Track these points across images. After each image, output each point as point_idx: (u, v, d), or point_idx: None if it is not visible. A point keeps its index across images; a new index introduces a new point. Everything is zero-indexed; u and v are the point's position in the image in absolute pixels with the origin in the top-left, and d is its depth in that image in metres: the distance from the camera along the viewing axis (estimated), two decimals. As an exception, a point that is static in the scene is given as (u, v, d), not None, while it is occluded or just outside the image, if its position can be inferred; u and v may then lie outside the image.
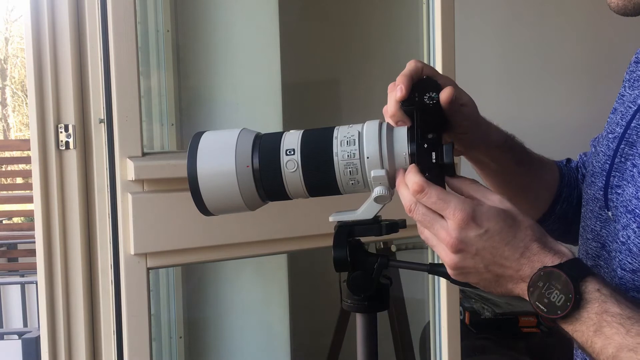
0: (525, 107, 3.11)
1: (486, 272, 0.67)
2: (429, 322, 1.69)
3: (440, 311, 1.62)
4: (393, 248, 1.85)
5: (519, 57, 3.10)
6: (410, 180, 0.67)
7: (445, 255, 0.68)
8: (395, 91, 0.70)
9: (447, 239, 0.66)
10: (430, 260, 1.66)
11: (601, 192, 0.80)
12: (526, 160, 0.91)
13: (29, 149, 1.35)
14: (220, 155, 0.69)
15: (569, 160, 1.00)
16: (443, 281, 1.61)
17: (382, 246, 1.84)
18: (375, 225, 0.71)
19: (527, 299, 0.66)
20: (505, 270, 0.66)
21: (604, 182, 0.80)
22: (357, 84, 2.23)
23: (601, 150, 0.84)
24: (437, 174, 0.67)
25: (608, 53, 3.14)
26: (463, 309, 2.42)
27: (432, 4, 1.58)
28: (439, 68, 1.57)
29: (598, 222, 0.81)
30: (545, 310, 0.64)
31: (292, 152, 0.68)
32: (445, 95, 0.69)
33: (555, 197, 0.94)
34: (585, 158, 1.00)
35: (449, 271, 0.69)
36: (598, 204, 0.81)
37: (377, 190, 0.68)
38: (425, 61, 1.61)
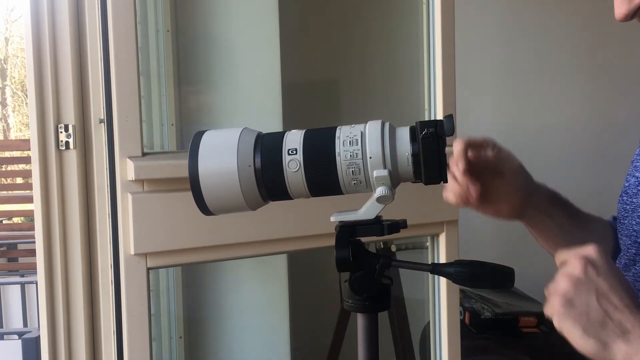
0: (525, 107, 3.11)
1: (595, 305, 0.63)
2: (429, 322, 1.69)
3: (440, 311, 1.62)
4: (393, 248, 1.85)
5: (519, 57, 3.10)
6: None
7: (561, 278, 0.65)
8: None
9: (574, 261, 0.65)
10: (430, 260, 1.66)
11: None
12: (577, 214, 0.93)
13: (29, 149, 1.35)
14: (221, 155, 0.68)
15: (615, 218, 1.00)
16: (443, 281, 1.61)
17: (382, 246, 1.84)
18: (377, 225, 0.71)
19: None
20: (615, 312, 0.63)
21: None
22: (357, 84, 2.23)
23: None
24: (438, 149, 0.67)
25: (608, 54, 3.14)
26: (463, 309, 2.42)
27: (432, 4, 1.58)
28: (439, 68, 1.57)
29: None
30: None
31: (295, 152, 0.68)
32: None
33: (614, 250, 0.95)
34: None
35: (555, 290, 0.65)
36: None
37: (380, 191, 0.68)
38: (425, 61, 1.62)
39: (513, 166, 0.86)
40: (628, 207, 0.87)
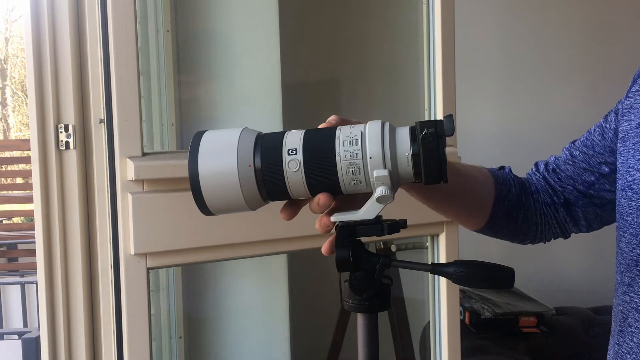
0: (524, 107, 3.11)
1: None
2: (429, 322, 1.70)
3: (440, 311, 1.62)
4: (393, 248, 1.85)
5: (519, 57, 3.10)
6: None
7: None
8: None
9: None
10: (430, 260, 1.66)
11: None
12: (459, 186, 0.90)
13: (29, 149, 1.35)
14: (221, 155, 0.68)
15: (501, 168, 1.01)
16: (443, 281, 1.61)
17: (382, 246, 1.84)
18: (377, 225, 0.70)
19: None
20: None
21: None
22: (357, 84, 2.23)
23: None
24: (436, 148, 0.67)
25: (608, 53, 3.14)
26: (463, 309, 2.42)
27: (432, 4, 1.58)
28: (439, 68, 1.57)
29: None
30: None
31: (295, 152, 0.68)
32: None
33: (495, 197, 0.95)
34: (558, 161, 1.01)
35: None
36: None
37: (380, 191, 0.68)
38: (425, 61, 1.62)
39: None
40: (634, 203, 0.84)
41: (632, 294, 0.84)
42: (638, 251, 0.82)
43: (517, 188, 0.98)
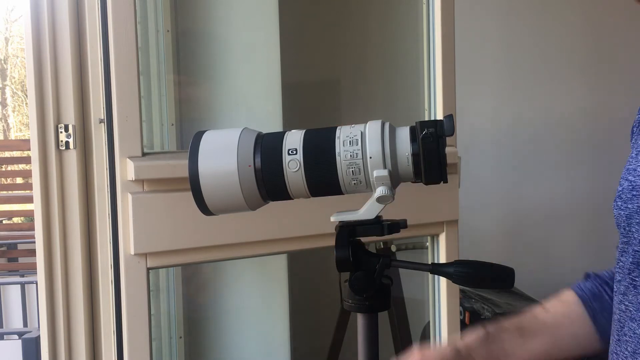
0: (524, 107, 3.11)
1: None
2: (429, 322, 1.70)
3: (440, 311, 1.62)
4: (393, 248, 1.86)
5: (519, 57, 3.10)
6: None
7: None
8: None
9: None
10: (430, 260, 1.66)
11: None
12: (547, 345, 0.92)
13: (29, 149, 1.35)
14: (221, 155, 0.68)
15: (586, 277, 1.00)
16: (443, 281, 1.61)
17: (382, 246, 1.84)
18: (377, 225, 0.71)
19: None
20: None
21: None
22: (357, 84, 2.23)
23: None
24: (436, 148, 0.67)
25: (608, 52, 3.14)
26: (463, 309, 2.42)
27: (432, 4, 1.58)
28: (439, 68, 1.57)
29: None
30: None
31: (295, 152, 0.68)
32: None
33: (593, 320, 0.95)
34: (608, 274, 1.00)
35: None
36: None
37: (380, 190, 0.68)
38: (425, 61, 1.62)
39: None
40: (622, 212, 0.85)
41: (627, 303, 0.84)
42: (631, 259, 0.83)
43: (607, 292, 0.96)
